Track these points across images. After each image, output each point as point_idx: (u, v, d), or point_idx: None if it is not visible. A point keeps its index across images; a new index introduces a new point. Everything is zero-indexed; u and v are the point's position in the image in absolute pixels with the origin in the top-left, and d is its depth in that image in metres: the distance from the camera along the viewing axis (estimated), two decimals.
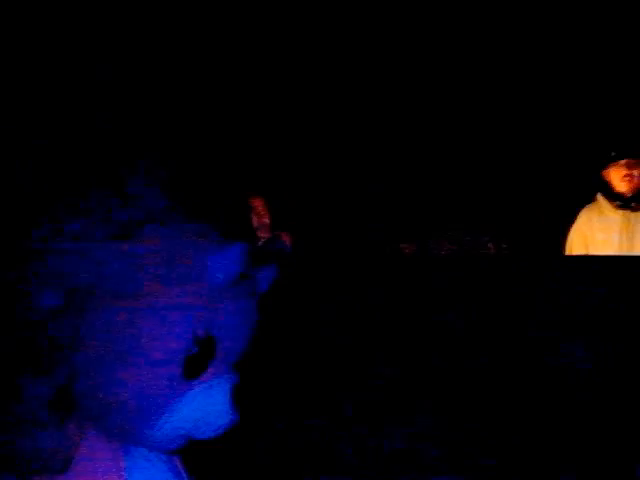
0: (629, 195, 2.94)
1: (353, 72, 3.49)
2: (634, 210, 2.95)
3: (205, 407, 0.77)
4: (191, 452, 0.87)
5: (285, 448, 2.28)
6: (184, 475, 0.86)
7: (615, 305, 2.31)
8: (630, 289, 2.32)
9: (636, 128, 3.10)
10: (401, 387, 2.42)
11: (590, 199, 3.13)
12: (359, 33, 3.46)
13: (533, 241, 3.53)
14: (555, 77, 3.60)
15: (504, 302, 2.52)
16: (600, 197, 3.04)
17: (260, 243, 2.87)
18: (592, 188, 3.13)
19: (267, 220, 3.05)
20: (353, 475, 2.31)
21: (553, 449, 2.27)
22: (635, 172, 2.94)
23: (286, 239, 2.96)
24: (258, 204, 3.07)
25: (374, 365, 2.49)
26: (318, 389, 2.37)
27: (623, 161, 2.94)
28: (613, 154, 2.98)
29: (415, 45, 3.48)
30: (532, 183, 3.75)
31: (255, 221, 3.00)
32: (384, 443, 2.35)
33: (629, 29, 3.45)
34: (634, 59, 3.47)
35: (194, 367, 0.76)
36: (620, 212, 2.97)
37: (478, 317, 2.51)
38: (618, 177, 2.95)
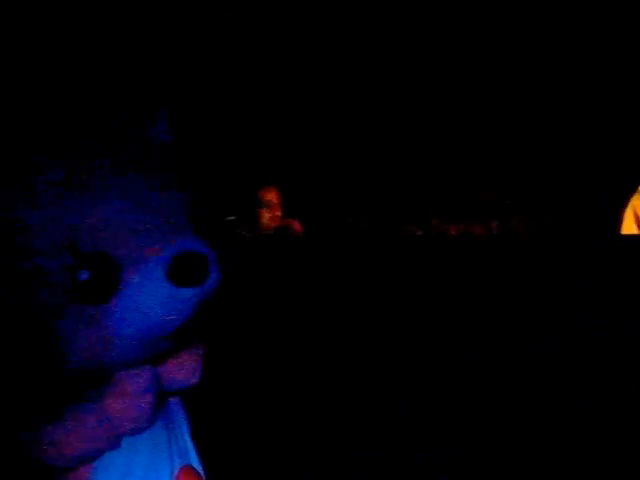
0: None
1: (350, 65, 3.53)
2: None
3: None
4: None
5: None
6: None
7: None
8: None
9: None
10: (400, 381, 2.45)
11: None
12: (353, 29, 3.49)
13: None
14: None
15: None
16: None
17: (271, 233, 2.93)
18: None
19: (279, 212, 3.10)
20: None
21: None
22: None
23: (297, 227, 3.01)
24: (272, 197, 3.12)
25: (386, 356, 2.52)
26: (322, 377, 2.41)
27: None
28: None
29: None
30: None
31: (267, 213, 3.05)
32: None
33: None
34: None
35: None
36: None
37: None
38: None
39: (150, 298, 0.72)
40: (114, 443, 0.77)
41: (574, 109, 3.49)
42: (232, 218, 3.02)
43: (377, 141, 3.51)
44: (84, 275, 0.72)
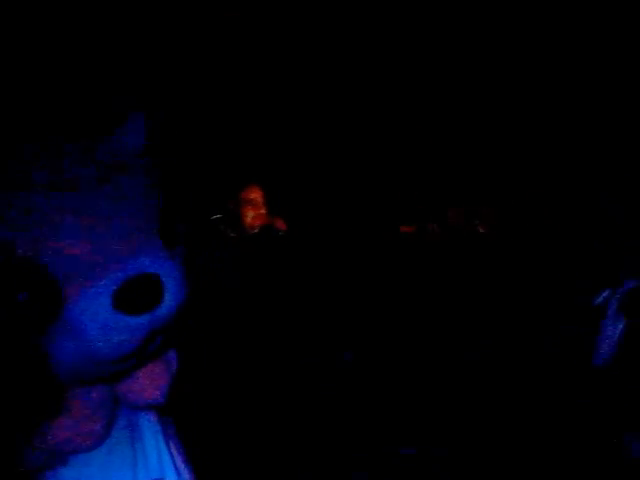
0: None
1: (344, 60, 3.51)
2: None
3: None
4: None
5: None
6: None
7: None
8: None
9: None
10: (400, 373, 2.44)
11: None
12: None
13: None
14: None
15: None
16: None
17: (256, 231, 2.91)
18: None
19: (263, 211, 3.07)
20: None
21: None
22: None
23: (281, 226, 2.99)
24: (257, 195, 3.10)
25: (371, 346, 2.52)
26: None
27: None
28: None
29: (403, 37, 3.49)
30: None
31: (252, 212, 3.03)
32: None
33: None
34: None
35: None
36: None
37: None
38: None
39: (93, 324, 0.68)
40: (60, 459, 0.75)
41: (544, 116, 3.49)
42: (218, 216, 2.99)
43: (356, 140, 3.50)
44: (22, 296, 0.68)
